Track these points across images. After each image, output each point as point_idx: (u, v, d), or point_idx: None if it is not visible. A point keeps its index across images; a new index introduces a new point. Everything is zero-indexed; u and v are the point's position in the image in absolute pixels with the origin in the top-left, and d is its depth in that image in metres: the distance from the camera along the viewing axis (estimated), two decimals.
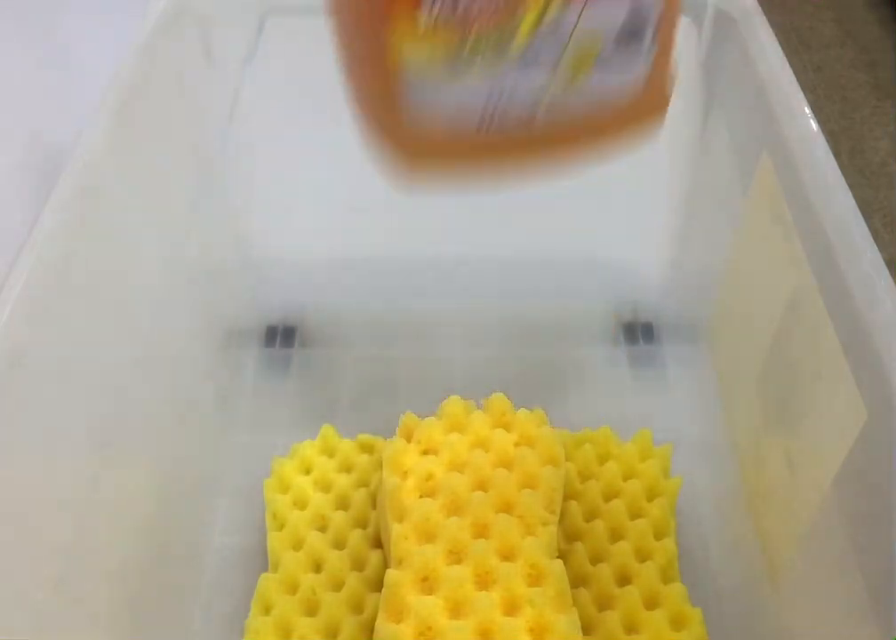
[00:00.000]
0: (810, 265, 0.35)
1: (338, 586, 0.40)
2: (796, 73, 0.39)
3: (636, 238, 0.53)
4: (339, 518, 0.42)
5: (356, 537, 0.41)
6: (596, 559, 0.40)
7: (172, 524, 0.42)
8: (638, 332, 0.55)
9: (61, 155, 0.37)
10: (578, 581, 0.39)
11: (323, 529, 0.42)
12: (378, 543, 0.41)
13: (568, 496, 0.41)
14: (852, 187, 0.34)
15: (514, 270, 0.55)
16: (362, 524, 0.42)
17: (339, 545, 0.41)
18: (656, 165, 0.50)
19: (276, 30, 0.47)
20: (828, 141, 0.36)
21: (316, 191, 0.53)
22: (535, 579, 0.36)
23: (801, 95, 0.38)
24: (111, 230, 0.38)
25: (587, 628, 0.37)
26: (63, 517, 0.33)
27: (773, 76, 0.39)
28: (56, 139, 0.40)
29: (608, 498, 0.42)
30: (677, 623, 0.38)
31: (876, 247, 0.31)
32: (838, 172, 0.34)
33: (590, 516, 0.42)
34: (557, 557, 0.37)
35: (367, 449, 0.45)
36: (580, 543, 0.40)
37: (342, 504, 0.43)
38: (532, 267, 0.55)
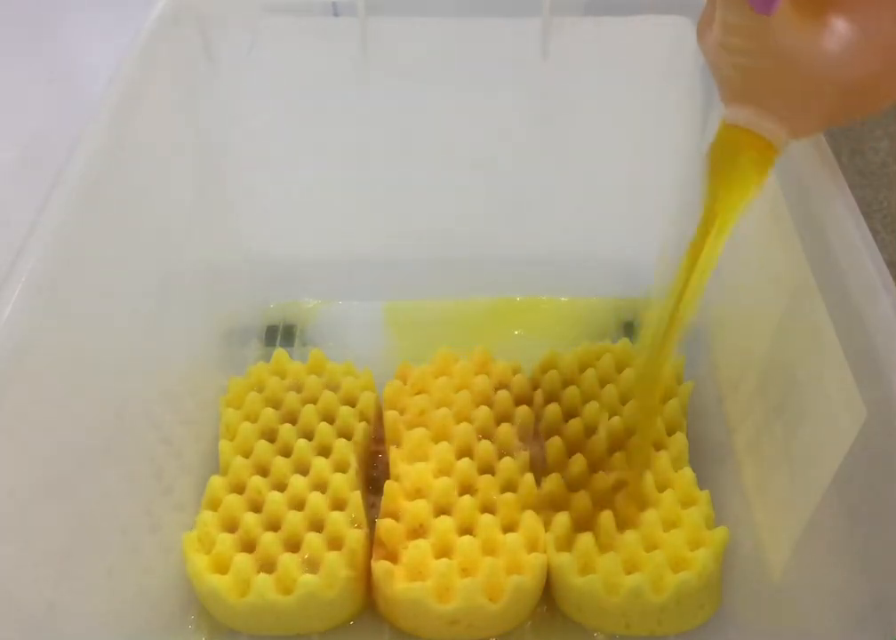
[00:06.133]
0: (810, 265, 0.35)
1: (281, 487, 0.43)
2: None
3: (637, 238, 0.53)
4: (286, 430, 0.45)
5: (301, 446, 0.44)
6: (613, 450, 0.44)
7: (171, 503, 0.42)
8: (638, 332, 0.55)
9: (61, 155, 0.37)
10: (597, 467, 0.44)
11: (271, 440, 0.45)
12: (322, 451, 0.44)
13: (588, 397, 0.46)
14: (852, 187, 0.34)
15: (514, 269, 0.55)
16: (308, 435, 0.45)
17: (285, 453, 0.44)
18: (656, 165, 0.50)
19: (276, 30, 0.47)
20: (827, 141, 0.36)
21: (317, 191, 0.53)
22: (509, 488, 0.43)
23: None
24: (111, 230, 0.38)
25: (603, 505, 0.42)
26: (62, 517, 0.33)
27: None
28: (56, 139, 0.40)
29: (625, 400, 0.46)
30: (687, 504, 0.42)
31: (876, 247, 0.31)
32: (838, 172, 0.34)
33: (609, 414, 0.45)
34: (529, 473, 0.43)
35: (317, 370, 0.49)
36: (598, 436, 0.44)
37: (290, 419, 0.46)
38: (532, 266, 0.55)
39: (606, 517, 0.41)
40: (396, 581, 0.39)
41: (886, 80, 0.30)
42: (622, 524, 0.41)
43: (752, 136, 0.32)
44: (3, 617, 0.29)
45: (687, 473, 0.43)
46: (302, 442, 0.44)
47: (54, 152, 0.38)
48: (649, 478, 0.42)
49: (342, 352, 0.51)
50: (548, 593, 0.41)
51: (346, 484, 0.42)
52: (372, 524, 0.42)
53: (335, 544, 0.40)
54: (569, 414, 0.46)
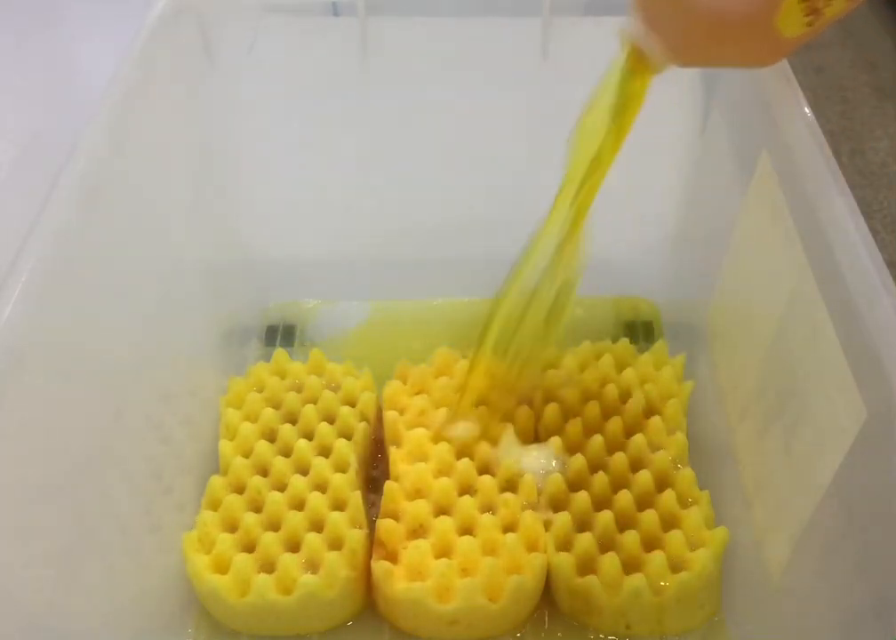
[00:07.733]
0: (810, 265, 0.35)
1: (282, 487, 0.42)
2: (795, 73, 0.39)
3: (637, 237, 0.53)
4: (286, 430, 0.45)
5: (301, 446, 0.44)
6: (613, 451, 0.44)
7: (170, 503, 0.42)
8: (638, 331, 0.55)
9: (61, 155, 0.37)
10: (597, 468, 0.43)
11: (271, 440, 0.45)
12: (322, 452, 0.44)
13: (588, 398, 0.46)
14: (852, 187, 0.34)
15: None
16: (308, 435, 0.45)
17: (285, 453, 0.44)
18: (656, 165, 0.50)
19: (276, 29, 0.47)
20: (827, 141, 0.36)
21: (316, 190, 0.53)
22: (509, 488, 0.42)
23: (801, 95, 0.38)
24: (111, 230, 0.38)
25: (602, 505, 0.42)
26: (62, 517, 0.33)
27: (773, 76, 0.39)
28: (56, 139, 0.40)
29: (625, 400, 0.46)
30: (686, 503, 0.42)
31: (876, 247, 0.31)
32: (838, 172, 0.34)
33: (609, 414, 0.45)
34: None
35: (317, 370, 0.49)
36: (598, 436, 0.44)
37: (291, 419, 0.46)
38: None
39: (606, 517, 0.41)
40: (396, 581, 0.39)
41: (752, 25, 0.31)
42: (622, 524, 0.41)
43: (636, 48, 0.34)
44: (3, 617, 0.29)
45: (687, 473, 0.43)
46: (302, 442, 0.44)
47: (54, 152, 0.38)
48: (648, 477, 0.42)
49: (342, 352, 0.51)
50: (548, 593, 0.41)
51: (346, 484, 0.42)
52: (371, 524, 0.42)
53: (335, 544, 0.40)
54: (569, 414, 0.46)
